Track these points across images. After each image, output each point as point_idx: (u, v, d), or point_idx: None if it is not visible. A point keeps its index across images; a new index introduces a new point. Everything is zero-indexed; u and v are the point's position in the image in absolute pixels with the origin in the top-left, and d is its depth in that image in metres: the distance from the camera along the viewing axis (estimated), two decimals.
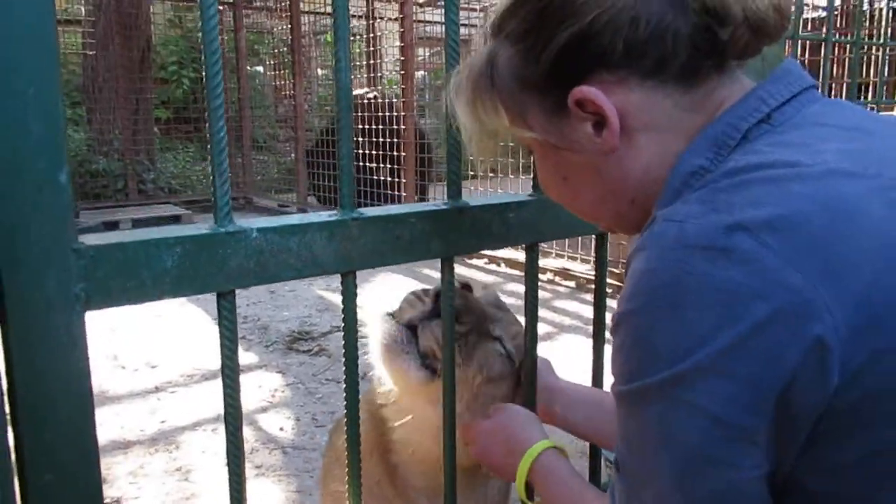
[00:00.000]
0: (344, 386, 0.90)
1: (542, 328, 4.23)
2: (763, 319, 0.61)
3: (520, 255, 5.82)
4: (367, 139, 7.12)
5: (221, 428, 3.10)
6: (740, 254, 0.62)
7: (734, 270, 0.62)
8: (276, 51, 9.41)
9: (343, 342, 0.88)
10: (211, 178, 0.75)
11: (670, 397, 0.65)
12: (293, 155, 9.21)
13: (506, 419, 1.11)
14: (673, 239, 0.66)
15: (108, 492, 2.45)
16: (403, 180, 7.10)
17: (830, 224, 0.63)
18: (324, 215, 0.84)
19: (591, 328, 4.24)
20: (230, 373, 0.79)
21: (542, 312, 4.70)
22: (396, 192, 7.27)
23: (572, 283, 5.20)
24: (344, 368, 0.89)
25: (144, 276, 0.71)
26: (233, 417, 0.81)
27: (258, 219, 0.82)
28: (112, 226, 7.49)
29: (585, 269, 5.26)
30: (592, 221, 0.90)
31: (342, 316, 0.87)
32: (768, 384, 0.62)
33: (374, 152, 7.27)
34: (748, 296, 0.61)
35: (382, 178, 7.47)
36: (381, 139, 7.02)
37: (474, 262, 5.93)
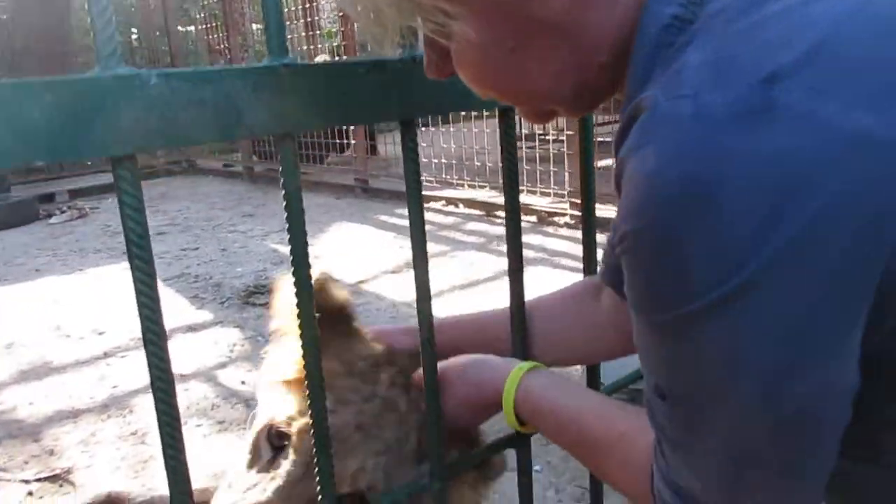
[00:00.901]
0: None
1: (506, 262, 4.09)
2: (839, 187, 0.46)
3: (478, 194, 5.66)
4: None
5: (179, 387, 2.91)
6: (787, 110, 0.47)
7: (785, 134, 0.47)
8: (205, 2, 8.92)
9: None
10: (86, 8, 0.57)
11: (735, 312, 0.50)
12: None
13: (461, 387, 0.89)
14: (690, 118, 0.50)
15: (58, 463, 2.27)
16: (353, 140, 6.86)
17: (878, 44, 0.49)
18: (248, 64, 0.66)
19: (556, 259, 4.11)
20: (142, 264, 0.61)
21: (505, 247, 4.57)
22: (347, 141, 7.02)
23: (533, 218, 5.08)
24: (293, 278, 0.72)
25: (2, 133, 0.53)
26: (153, 325, 0.63)
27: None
28: (47, 198, 7.11)
29: (546, 203, 5.14)
30: (532, 103, 0.69)
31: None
32: (862, 267, 0.48)
33: None
34: (812, 161, 0.46)
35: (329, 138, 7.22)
36: None
37: (431, 205, 5.75)
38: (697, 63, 0.52)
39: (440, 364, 0.88)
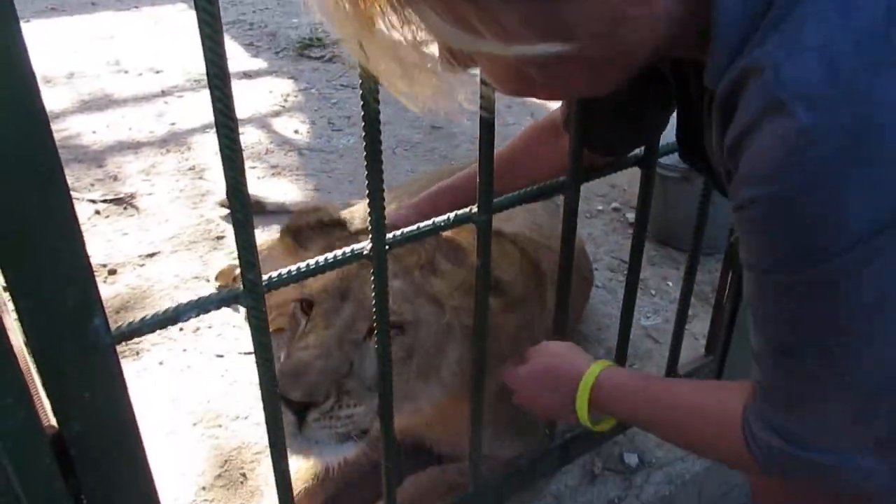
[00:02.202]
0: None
1: None
2: None
3: None
4: None
5: None
6: None
7: None
8: None
9: None
10: None
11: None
12: None
13: (545, 359, 0.99)
14: (823, 74, 0.52)
15: (122, 188, 2.39)
16: None
17: None
18: None
19: None
20: None
21: None
22: None
23: None
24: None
25: None
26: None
27: None
28: None
29: None
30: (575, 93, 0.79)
31: None
32: None
33: None
34: None
35: None
36: None
37: None
38: (809, 18, 0.53)
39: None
